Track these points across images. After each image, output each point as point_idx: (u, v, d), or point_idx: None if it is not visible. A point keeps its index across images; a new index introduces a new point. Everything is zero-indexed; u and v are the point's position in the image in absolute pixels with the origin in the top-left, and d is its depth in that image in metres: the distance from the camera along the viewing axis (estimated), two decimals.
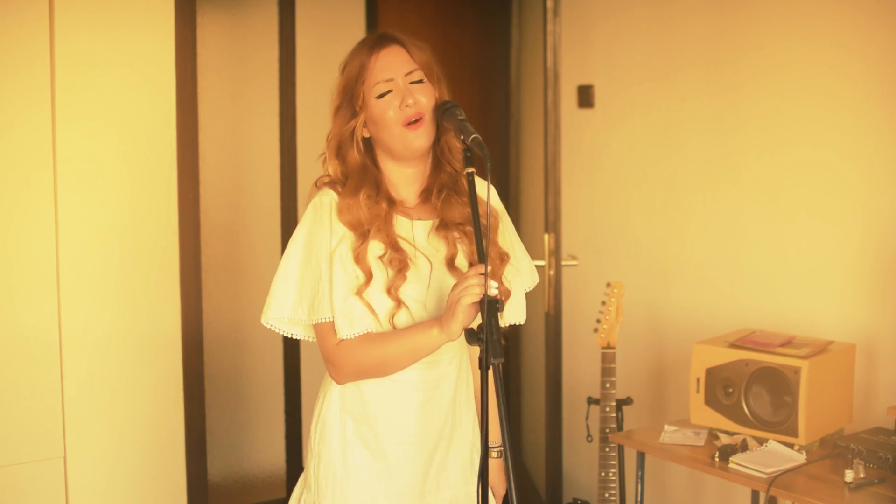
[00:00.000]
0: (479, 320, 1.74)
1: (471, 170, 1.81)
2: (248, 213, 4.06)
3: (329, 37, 4.61)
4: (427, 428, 1.98)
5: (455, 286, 1.78)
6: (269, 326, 1.95)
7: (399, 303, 1.89)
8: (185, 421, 3.24)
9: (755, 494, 2.87)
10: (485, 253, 1.76)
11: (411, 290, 1.91)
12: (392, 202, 1.95)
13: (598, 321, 3.01)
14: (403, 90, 1.91)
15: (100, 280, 3.07)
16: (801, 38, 3.03)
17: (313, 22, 4.48)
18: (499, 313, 1.73)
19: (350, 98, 1.94)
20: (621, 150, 3.75)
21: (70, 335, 3.01)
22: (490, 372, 1.68)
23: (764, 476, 2.44)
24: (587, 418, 3.15)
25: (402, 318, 1.91)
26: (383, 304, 1.89)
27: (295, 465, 4.06)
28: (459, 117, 1.87)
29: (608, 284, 3.04)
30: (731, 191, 3.28)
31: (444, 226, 1.97)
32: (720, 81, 3.30)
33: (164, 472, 3.21)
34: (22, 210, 2.94)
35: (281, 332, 1.97)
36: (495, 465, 2.13)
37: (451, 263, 1.95)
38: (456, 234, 1.97)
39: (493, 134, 4.56)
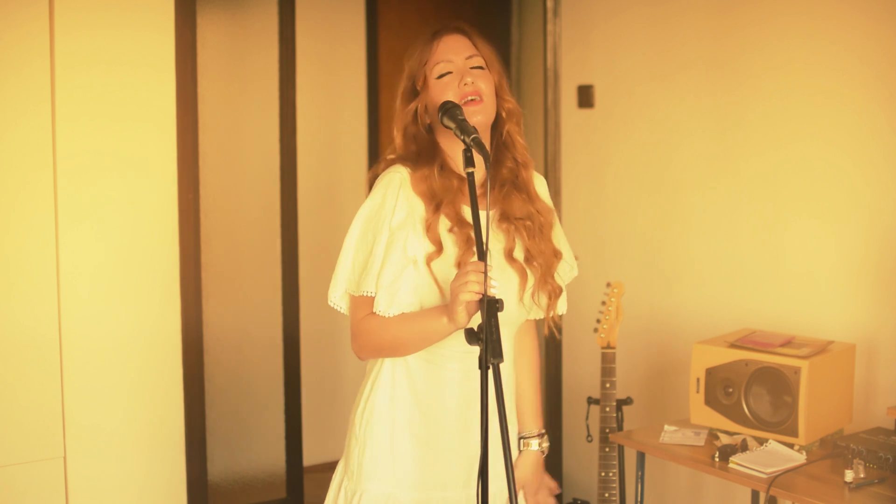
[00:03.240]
0: (478, 320, 1.73)
1: (471, 170, 1.82)
2: (248, 213, 4.05)
3: (329, 37, 4.61)
4: (472, 419, 1.99)
5: (455, 278, 1.79)
6: (334, 306, 1.98)
7: None
8: (185, 421, 3.24)
9: (755, 494, 2.87)
10: (484, 252, 1.76)
11: None
12: (462, 179, 1.96)
13: (598, 321, 3.00)
14: (463, 71, 1.96)
15: (100, 280, 3.07)
16: (800, 37, 3.03)
17: (313, 22, 4.48)
18: (497, 311, 1.72)
19: (412, 81, 1.99)
20: (621, 150, 3.75)
21: (70, 335, 3.01)
22: (490, 371, 1.68)
23: (764, 476, 2.44)
24: (587, 418, 3.15)
25: None
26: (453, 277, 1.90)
27: (295, 465, 4.05)
28: (459, 117, 1.87)
29: (608, 284, 3.04)
30: (732, 190, 3.28)
31: (504, 218, 2.00)
32: (720, 81, 3.30)
33: (164, 472, 3.21)
34: (22, 210, 2.94)
35: (342, 311, 1.99)
36: (532, 458, 2.12)
37: (509, 255, 1.98)
38: (514, 228, 2.00)
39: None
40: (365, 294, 1.91)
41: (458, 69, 1.96)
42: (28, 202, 2.95)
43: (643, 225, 3.66)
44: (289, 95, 3.91)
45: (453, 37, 1.99)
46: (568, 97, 3.90)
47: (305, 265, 4.11)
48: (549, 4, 3.47)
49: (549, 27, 3.49)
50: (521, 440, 2.13)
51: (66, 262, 3.00)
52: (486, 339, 1.68)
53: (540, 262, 2.01)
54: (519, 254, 1.99)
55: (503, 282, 1.95)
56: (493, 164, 2.03)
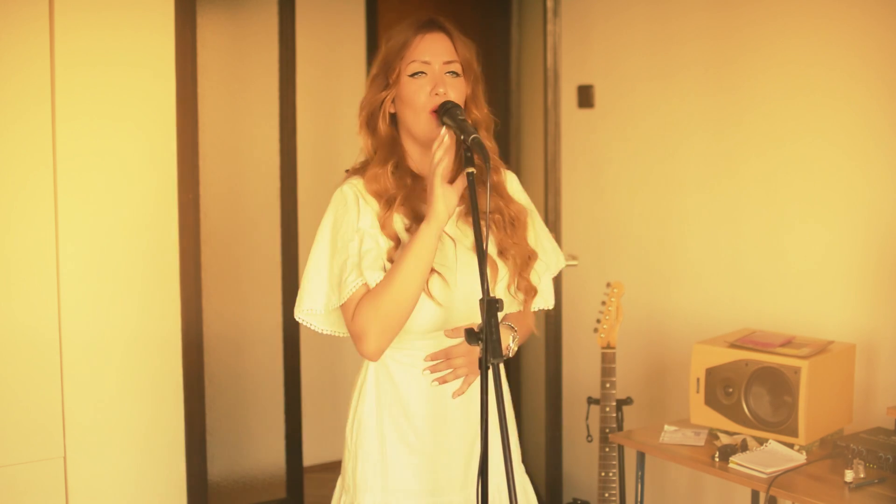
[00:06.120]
0: (478, 320, 1.73)
1: (471, 170, 1.81)
2: (248, 213, 4.05)
3: (329, 37, 4.61)
4: (464, 420, 1.98)
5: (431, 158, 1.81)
6: (301, 321, 1.95)
7: (431, 271, 1.88)
8: (185, 421, 3.24)
9: (755, 494, 2.87)
10: (484, 252, 1.75)
11: (439, 264, 1.91)
12: (416, 178, 1.96)
13: (598, 321, 3.00)
14: (437, 77, 1.93)
15: (100, 280, 3.07)
16: (800, 37, 3.03)
17: (313, 22, 4.48)
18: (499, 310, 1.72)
19: (386, 70, 1.96)
20: (621, 150, 3.75)
21: (70, 335, 3.02)
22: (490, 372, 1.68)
23: (764, 476, 2.44)
24: (587, 418, 3.15)
25: (437, 286, 1.90)
26: None
27: (295, 465, 4.05)
28: (459, 117, 1.88)
29: (608, 284, 3.04)
30: (732, 190, 3.28)
31: (471, 212, 1.97)
32: (720, 81, 3.30)
33: (164, 472, 3.21)
34: (22, 210, 2.94)
35: (312, 327, 1.96)
36: None
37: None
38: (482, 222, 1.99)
39: (492, 134, 4.55)
40: (354, 289, 1.87)
41: (433, 73, 1.93)
42: (28, 202, 2.95)
43: (643, 225, 3.66)
44: (289, 95, 3.92)
45: (436, 35, 1.95)
46: (568, 97, 3.90)
47: (305, 265, 4.11)
48: (549, 4, 3.47)
49: (549, 27, 3.49)
50: None
51: (66, 262, 3.00)
52: (487, 339, 1.67)
53: (514, 253, 1.99)
54: (491, 248, 1.98)
55: (469, 275, 1.92)
56: (457, 161, 1.99)
